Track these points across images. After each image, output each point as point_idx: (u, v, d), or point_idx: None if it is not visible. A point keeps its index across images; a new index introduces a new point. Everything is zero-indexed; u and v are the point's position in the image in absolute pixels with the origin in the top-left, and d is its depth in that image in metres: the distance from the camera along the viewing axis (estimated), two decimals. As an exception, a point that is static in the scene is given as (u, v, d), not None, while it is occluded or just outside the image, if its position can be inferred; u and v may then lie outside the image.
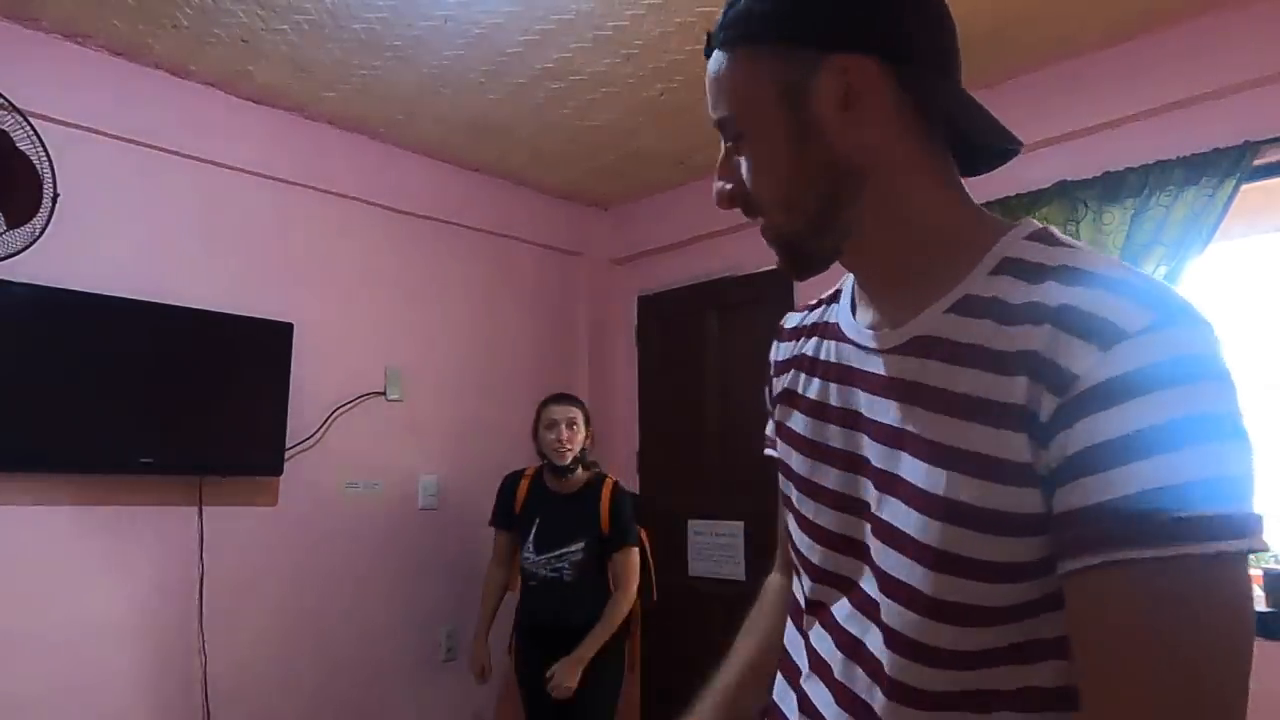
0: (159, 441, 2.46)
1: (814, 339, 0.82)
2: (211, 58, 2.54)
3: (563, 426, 2.66)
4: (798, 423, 0.79)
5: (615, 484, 2.71)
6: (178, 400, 2.51)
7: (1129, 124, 2.43)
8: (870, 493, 0.68)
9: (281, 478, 2.76)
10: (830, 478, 0.73)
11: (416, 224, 3.26)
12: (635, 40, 2.45)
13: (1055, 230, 0.66)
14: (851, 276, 0.79)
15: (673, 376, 3.64)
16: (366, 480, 3.02)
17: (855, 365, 0.73)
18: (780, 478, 0.83)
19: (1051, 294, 0.58)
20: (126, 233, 2.53)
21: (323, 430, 2.90)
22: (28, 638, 2.27)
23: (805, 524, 0.76)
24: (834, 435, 0.74)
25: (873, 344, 0.71)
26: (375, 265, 3.12)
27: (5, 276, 2.21)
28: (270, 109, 2.85)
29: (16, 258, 2.13)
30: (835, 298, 0.83)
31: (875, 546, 0.66)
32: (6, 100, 2.08)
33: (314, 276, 2.94)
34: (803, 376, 0.81)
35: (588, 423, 2.76)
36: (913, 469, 0.63)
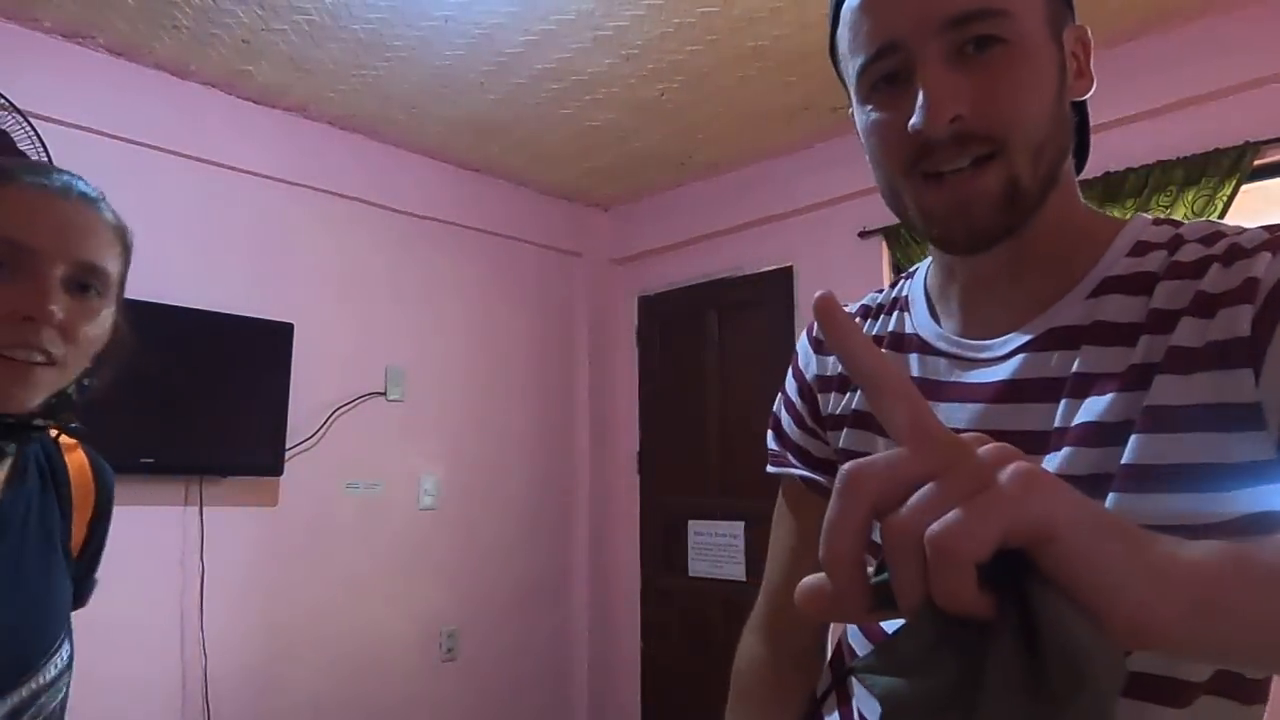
0: (159, 441, 2.46)
1: (886, 352, 0.72)
2: (211, 58, 2.54)
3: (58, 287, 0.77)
4: (879, 446, 0.69)
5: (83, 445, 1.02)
6: (178, 400, 2.51)
7: (1129, 124, 2.43)
8: None
9: (281, 478, 2.76)
10: None
11: (417, 224, 3.26)
12: (635, 40, 2.45)
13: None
14: (917, 281, 0.73)
15: (673, 376, 3.64)
16: (366, 480, 3.01)
17: (946, 379, 0.66)
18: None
19: (1208, 248, 0.57)
20: (126, 233, 2.53)
21: (323, 430, 2.90)
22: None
23: None
24: None
25: (979, 354, 0.64)
26: (375, 265, 3.12)
27: (5, 276, 2.21)
28: (270, 109, 2.85)
29: (16, 258, 2.13)
30: (894, 306, 0.74)
31: None
32: (6, 100, 2.08)
33: (314, 276, 2.94)
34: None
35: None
36: (1134, 451, 0.55)
